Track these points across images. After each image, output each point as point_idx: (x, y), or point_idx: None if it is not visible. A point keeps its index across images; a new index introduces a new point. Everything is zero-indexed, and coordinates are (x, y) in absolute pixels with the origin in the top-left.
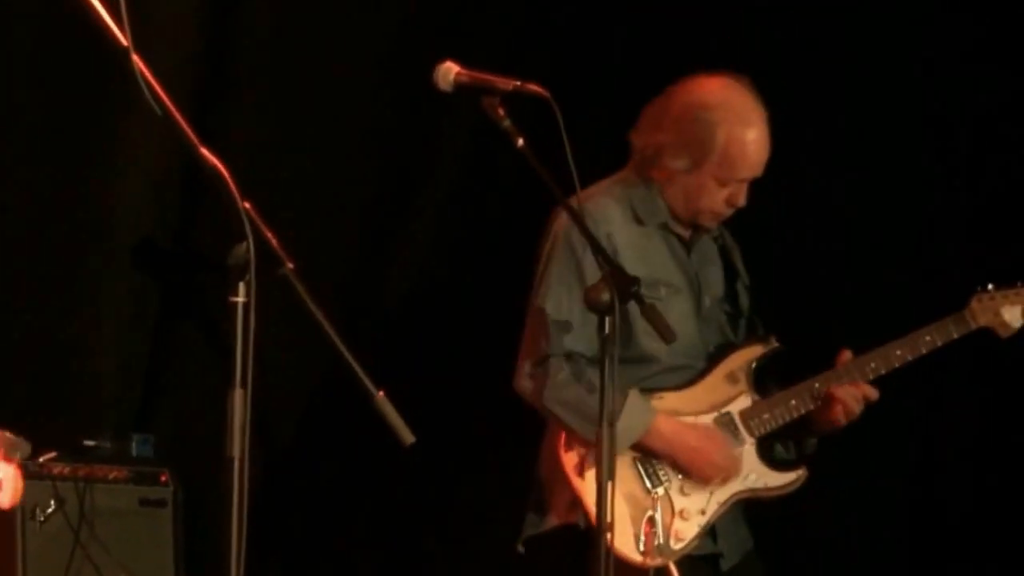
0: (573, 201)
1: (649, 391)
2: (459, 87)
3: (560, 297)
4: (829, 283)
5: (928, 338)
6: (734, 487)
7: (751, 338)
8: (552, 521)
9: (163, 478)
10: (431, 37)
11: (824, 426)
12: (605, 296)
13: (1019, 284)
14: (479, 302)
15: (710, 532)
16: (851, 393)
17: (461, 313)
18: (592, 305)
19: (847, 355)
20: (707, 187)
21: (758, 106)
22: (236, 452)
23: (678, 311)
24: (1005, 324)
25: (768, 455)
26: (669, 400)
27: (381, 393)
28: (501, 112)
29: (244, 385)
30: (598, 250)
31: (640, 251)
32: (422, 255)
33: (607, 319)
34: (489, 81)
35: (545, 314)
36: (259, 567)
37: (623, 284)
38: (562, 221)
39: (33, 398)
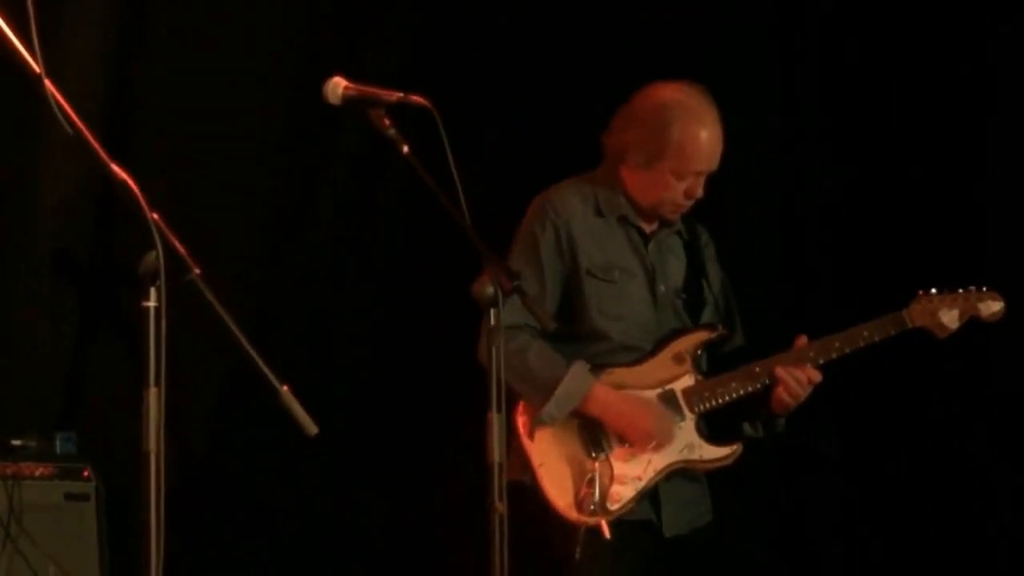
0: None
1: (600, 366)
2: (347, 100)
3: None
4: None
5: (866, 333)
6: (670, 457)
7: (701, 325)
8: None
9: (86, 473)
10: (328, 45)
11: (776, 407)
12: (489, 290)
13: (960, 290)
14: (379, 296)
15: (653, 500)
16: (794, 375)
17: (363, 307)
18: (477, 299)
19: (803, 340)
20: (665, 180)
21: (711, 107)
22: (152, 447)
23: (632, 294)
24: (942, 326)
25: (707, 430)
26: (617, 375)
27: (286, 388)
28: (387, 122)
29: (158, 384)
30: (480, 249)
31: (597, 239)
32: (323, 255)
33: (492, 311)
34: (375, 94)
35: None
36: (179, 555)
37: (505, 278)
38: (531, 209)
39: None
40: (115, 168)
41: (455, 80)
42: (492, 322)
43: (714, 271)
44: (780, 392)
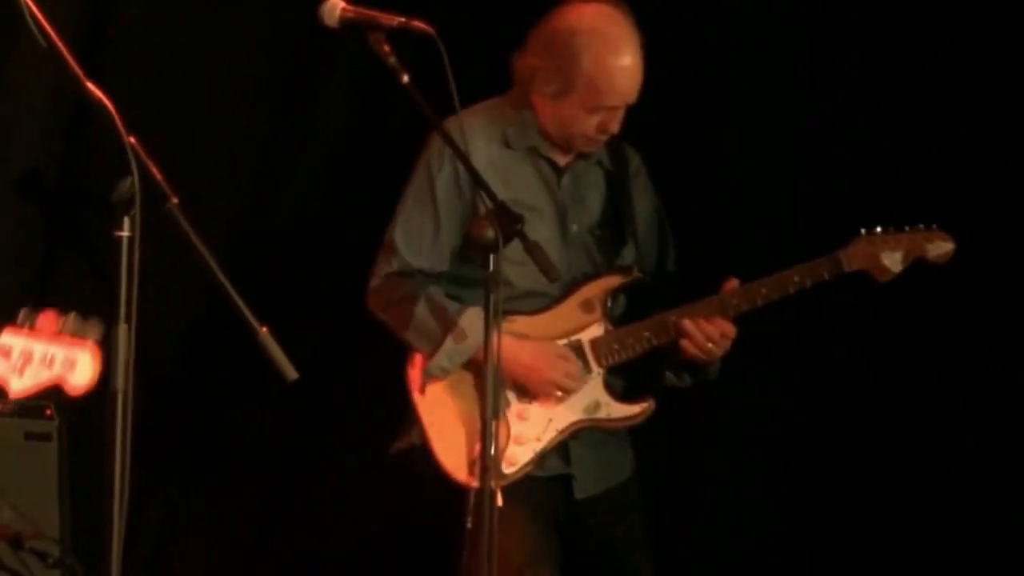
0: (454, 124)
1: (504, 311)
2: (345, 23)
3: (411, 214)
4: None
5: (797, 278)
6: (573, 416)
7: (612, 268)
8: (404, 439)
9: (48, 412)
10: None
11: (692, 360)
12: (489, 233)
13: (908, 228)
14: (363, 238)
15: (563, 455)
16: (703, 328)
17: (345, 248)
18: (476, 241)
19: (732, 283)
20: (577, 114)
21: (630, 33)
22: (120, 385)
23: (539, 236)
24: (883, 268)
25: (616, 385)
26: (520, 324)
27: (264, 329)
28: (387, 48)
29: (128, 320)
30: (481, 185)
31: (502, 173)
32: (308, 190)
33: (491, 256)
34: (374, 17)
35: (395, 231)
36: (142, 499)
37: (507, 221)
38: (428, 144)
39: None
40: (90, 87)
41: (458, 5)
42: (492, 268)
43: (643, 202)
44: (686, 345)
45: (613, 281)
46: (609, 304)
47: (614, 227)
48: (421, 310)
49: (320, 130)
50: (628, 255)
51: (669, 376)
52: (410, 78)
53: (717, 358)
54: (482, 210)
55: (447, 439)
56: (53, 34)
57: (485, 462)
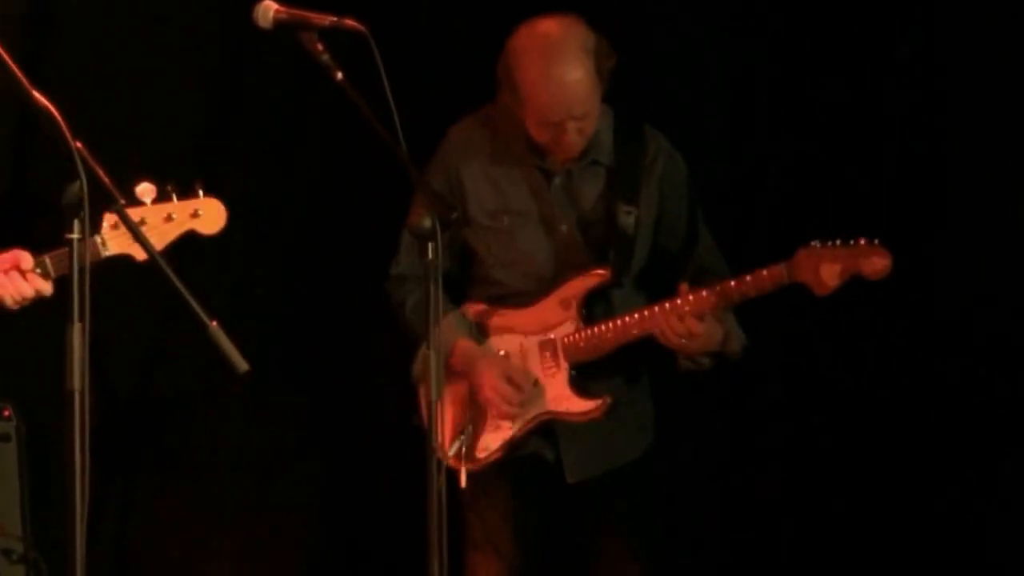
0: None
1: (495, 304)
2: (278, 24)
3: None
4: None
5: (741, 288)
6: (536, 408)
7: (591, 268)
8: (416, 417)
9: (6, 413)
10: None
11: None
12: (426, 222)
13: (839, 242)
14: (309, 232)
15: (549, 438)
16: (672, 327)
17: (294, 242)
18: (413, 231)
19: (683, 288)
20: (532, 128)
21: (568, 48)
22: (76, 384)
23: (525, 239)
24: (821, 283)
25: (578, 382)
26: (508, 316)
27: (215, 323)
28: (320, 47)
29: (82, 319)
30: (420, 182)
31: (493, 181)
32: (251, 184)
33: (430, 245)
34: (306, 18)
35: (404, 232)
36: (103, 497)
37: (443, 211)
38: (438, 146)
39: None
40: (37, 96)
41: (390, 4)
42: (431, 255)
43: (653, 192)
44: (662, 341)
45: (589, 282)
46: (584, 303)
47: (608, 224)
48: (410, 315)
49: (265, 118)
50: (612, 254)
51: (684, 363)
52: (343, 75)
53: (696, 351)
54: (471, 218)
55: (441, 425)
56: (1, 49)
57: (432, 443)
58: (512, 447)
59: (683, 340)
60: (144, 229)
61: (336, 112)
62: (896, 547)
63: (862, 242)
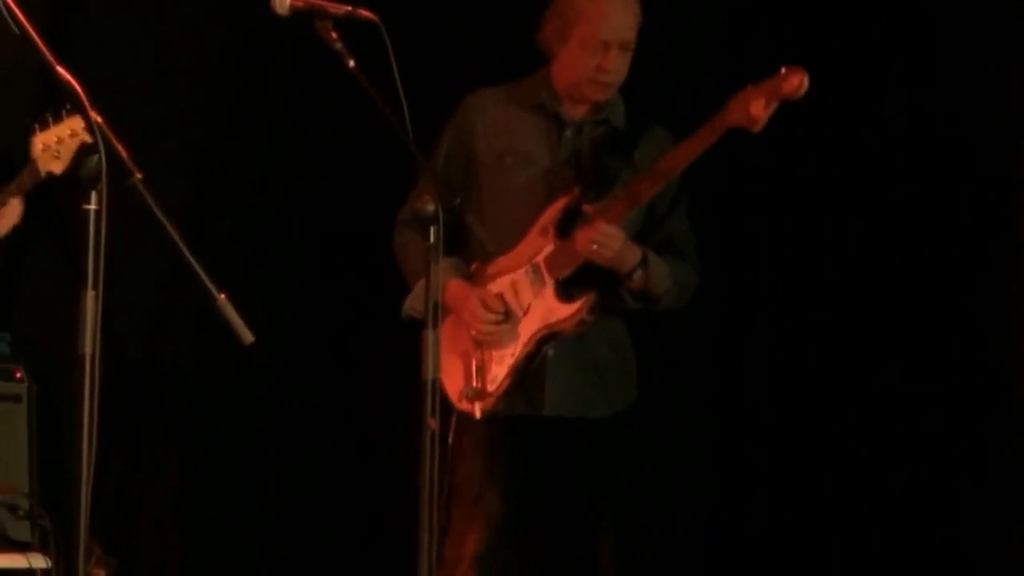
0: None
1: (487, 259)
2: (294, 11)
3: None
4: None
5: (686, 150)
6: (534, 327)
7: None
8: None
9: (18, 374)
10: None
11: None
12: (429, 207)
13: (769, 77)
14: (321, 210)
15: (536, 384)
16: (585, 233)
17: (303, 219)
18: (417, 215)
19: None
20: (576, 56)
21: None
22: (88, 349)
23: (523, 178)
24: (752, 118)
25: (562, 291)
26: (499, 263)
27: (223, 296)
28: (334, 35)
29: (96, 287)
30: (426, 169)
31: (504, 124)
32: (268, 164)
33: (431, 228)
34: (322, 6)
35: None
36: (110, 460)
37: (446, 196)
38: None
39: None
40: (61, 70)
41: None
42: (432, 239)
43: (647, 166)
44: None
45: (559, 204)
46: (558, 223)
47: (602, 175)
48: (411, 256)
49: (279, 100)
50: (600, 187)
51: (627, 299)
52: (356, 63)
53: (607, 259)
54: (477, 160)
55: (446, 369)
56: (26, 23)
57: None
58: (519, 372)
59: (594, 246)
60: (44, 153)
61: (346, 102)
62: (893, 545)
63: (782, 70)
